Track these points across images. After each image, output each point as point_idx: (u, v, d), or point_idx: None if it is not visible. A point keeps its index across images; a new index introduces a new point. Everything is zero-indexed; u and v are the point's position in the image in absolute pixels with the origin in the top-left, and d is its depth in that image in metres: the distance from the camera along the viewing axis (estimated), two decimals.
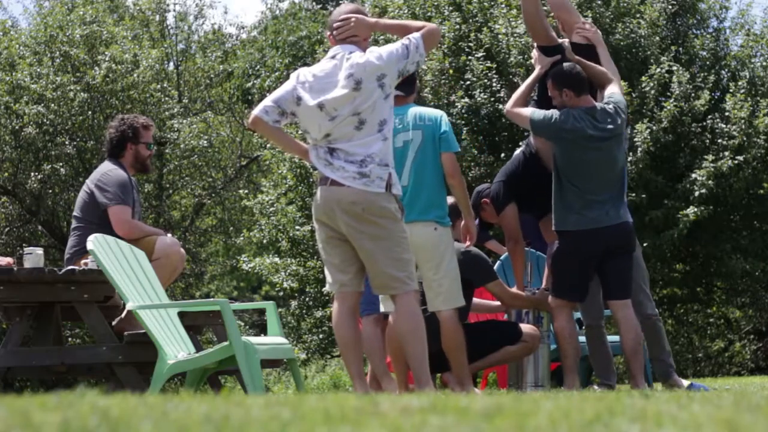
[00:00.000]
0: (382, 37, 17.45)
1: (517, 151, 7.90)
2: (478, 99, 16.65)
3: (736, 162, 16.09)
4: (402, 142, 6.80)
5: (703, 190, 16.25)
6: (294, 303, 18.97)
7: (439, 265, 6.71)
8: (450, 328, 6.77)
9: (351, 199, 5.75)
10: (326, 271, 6.00)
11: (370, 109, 5.80)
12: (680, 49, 18.31)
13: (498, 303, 7.99)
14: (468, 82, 16.90)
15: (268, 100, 6.00)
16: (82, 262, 7.43)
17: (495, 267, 8.75)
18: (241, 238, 21.42)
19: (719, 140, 16.58)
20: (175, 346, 6.76)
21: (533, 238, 9.02)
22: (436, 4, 18.00)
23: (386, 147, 5.82)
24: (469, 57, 17.05)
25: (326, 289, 6.12)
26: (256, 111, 5.97)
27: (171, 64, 25.80)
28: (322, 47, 20.56)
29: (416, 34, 5.93)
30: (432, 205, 6.75)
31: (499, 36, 16.89)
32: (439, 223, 6.75)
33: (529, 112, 7.39)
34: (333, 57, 5.97)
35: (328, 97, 5.84)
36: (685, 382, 7.65)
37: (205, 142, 22.41)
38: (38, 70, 20.13)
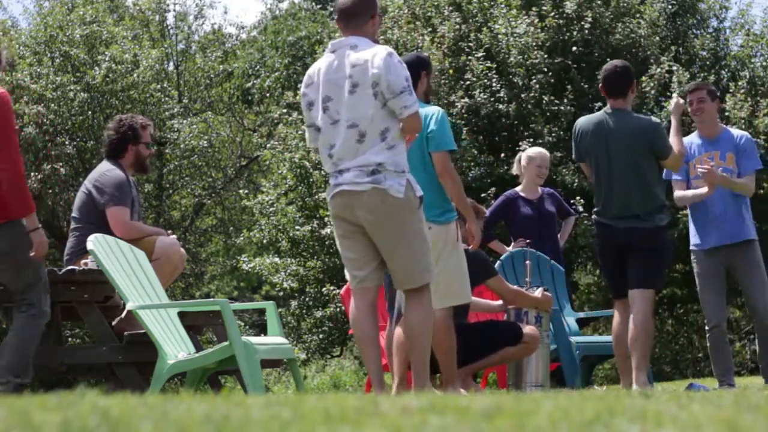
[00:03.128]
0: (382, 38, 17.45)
1: None
2: (478, 99, 16.65)
3: None
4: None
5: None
6: (294, 303, 18.97)
7: (435, 264, 6.66)
8: (439, 328, 6.68)
9: (368, 195, 5.69)
10: (346, 267, 5.95)
11: (368, 121, 5.68)
12: (680, 49, 18.31)
13: (498, 303, 7.99)
14: (468, 82, 16.89)
15: (306, 128, 5.95)
16: (82, 262, 7.43)
17: (495, 266, 8.76)
18: (241, 238, 21.43)
19: None
20: (175, 346, 6.76)
21: (533, 237, 9.04)
22: (436, 4, 18.00)
23: (395, 154, 5.71)
24: (469, 57, 17.05)
25: (351, 285, 6.02)
26: (308, 141, 5.93)
27: (171, 64, 25.81)
28: (322, 47, 20.53)
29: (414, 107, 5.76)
30: (425, 206, 6.70)
31: (499, 36, 16.89)
32: (434, 222, 6.67)
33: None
34: (333, 51, 5.82)
35: (331, 96, 5.74)
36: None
37: (205, 142, 22.43)
38: (38, 70, 20.14)
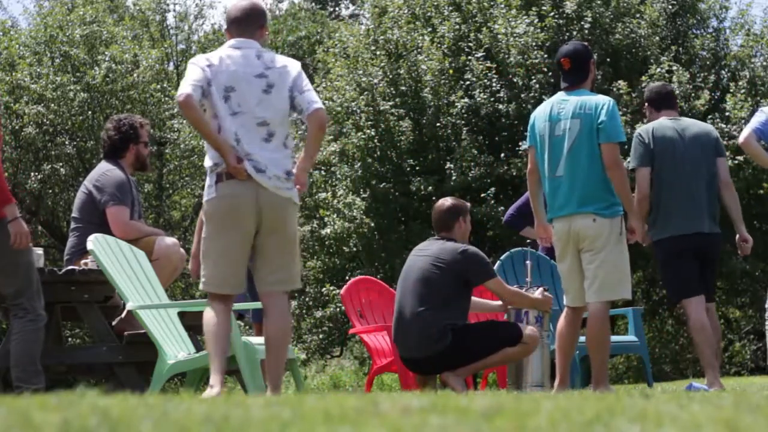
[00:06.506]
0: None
1: None
2: (478, 99, 16.65)
3: (736, 162, 16.09)
4: (561, 131, 6.71)
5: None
6: (294, 303, 18.97)
7: (595, 255, 6.64)
8: (594, 322, 6.71)
9: (275, 196, 5.58)
10: (219, 269, 5.67)
11: (278, 122, 5.60)
12: (680, 49, 18.31)
13: (498, 303, 7.98)
14: (468, 82, 16.89)
15: (191, 79, 5.55)
16: (82, 262, 7.42)
17: (495, 267, 8.76)
18: None
19: None
20: (175, 346, 6.76)
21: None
22: (436, 4, 18.00)
23: (290, 163, 5.65)
24: (469, 57, 17.05)
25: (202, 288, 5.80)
26: (186, 89, 5.50)
27: (171, 64, 25.80)
28: (322, 47, 20.52)
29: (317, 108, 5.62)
30: (589, 198, 6.62)
31: (499, 36, 16.89)
32: (600, 214, 6.63)
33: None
34: (238, 47, 5.67)
35: (236, 87, 5.57)
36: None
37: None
38: (38, 70, 20.13)
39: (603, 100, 6.71)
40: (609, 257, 6.66)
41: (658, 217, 7.57)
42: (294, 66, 5.70)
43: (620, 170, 6.64)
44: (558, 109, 6.77)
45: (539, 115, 6.87)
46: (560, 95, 6.84)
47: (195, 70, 5.60)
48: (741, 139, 7.66)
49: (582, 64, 6.80)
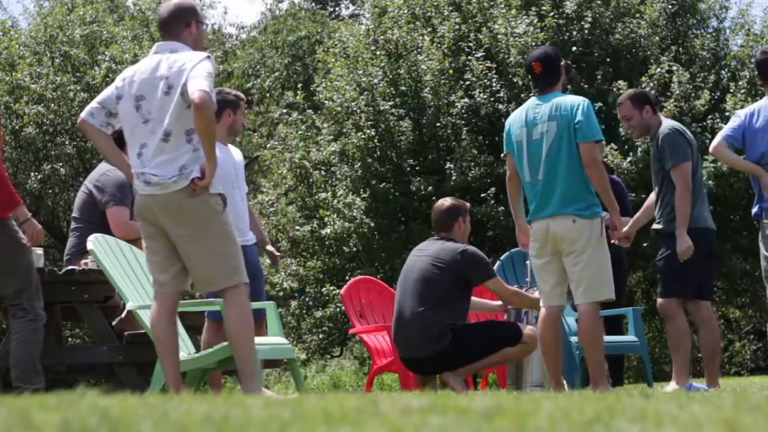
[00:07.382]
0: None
1: None
2: (478, 99, 16.65)
3: None
4: (539, 134, 6.69)
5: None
6: (294, 303, 18.96)
7: (578, 257, 6.63)
8: (585, 322, 6.69)
9: (168, 199, 5.63)
10: (149, 269, 5.89)
11: (174, 119, 5.60)
12: (680, 49, 18.31)
13: (498, 303, 7.99)
14: (468, 83, 16.89)
15: (94, 102, 5.84)
16: (82, 262, 7.43)
17: (495, 267, 8.76)
18: None
19: None
20: None
21: None
22: (436, 4, 18.00)
23: (198, 156, 5.63)
24: (469, 57, 17.05)
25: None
26: (83, 113, 5.80)
27: None
28: (322, 47, 20.53)
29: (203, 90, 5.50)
30: (569, 199, 6.62)
31: (499, 36, 16.90)
32: (580, 215, 6.63)
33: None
34: (156, 53, 5.77)
35: (146, 95, 5.66)
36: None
37: None
38: (38, 70, 20.13)
39: (577, 101, 6.72)
40: (592, 258, 6.65)
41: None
42: (193, 60, 5.64)
43: (599, 168, 6.65)
44: (533, 113, 6.76)
45: (514, 122, 6.86)
46: (533, 100, 6.84)
47: (107, 89, 5.86)
48: (711, 148, 7.67)
49: (552, 67, 6.79)
